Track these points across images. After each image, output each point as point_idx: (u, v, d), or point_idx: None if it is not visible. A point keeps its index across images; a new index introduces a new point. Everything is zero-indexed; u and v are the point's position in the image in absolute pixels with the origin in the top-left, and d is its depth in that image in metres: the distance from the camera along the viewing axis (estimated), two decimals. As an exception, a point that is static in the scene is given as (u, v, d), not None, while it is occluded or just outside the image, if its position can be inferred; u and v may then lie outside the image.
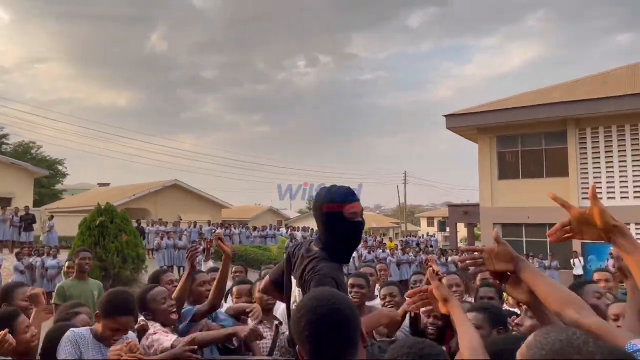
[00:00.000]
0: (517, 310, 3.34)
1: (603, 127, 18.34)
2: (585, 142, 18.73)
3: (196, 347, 2.64)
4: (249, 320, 3.52)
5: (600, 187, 18.34)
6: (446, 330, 2.74)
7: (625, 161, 17.96)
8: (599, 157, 18.50)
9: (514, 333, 2.36)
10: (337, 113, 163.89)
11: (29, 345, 2.73)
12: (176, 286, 3.51)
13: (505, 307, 3.81)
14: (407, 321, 2.96)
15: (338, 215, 2.19)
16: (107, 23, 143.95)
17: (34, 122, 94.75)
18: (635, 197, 17.75)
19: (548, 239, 1.58)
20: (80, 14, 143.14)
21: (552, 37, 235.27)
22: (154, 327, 2.93)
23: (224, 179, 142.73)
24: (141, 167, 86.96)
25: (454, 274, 4.32)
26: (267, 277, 2.69)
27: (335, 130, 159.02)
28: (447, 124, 20.74)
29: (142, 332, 2.95)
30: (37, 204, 30.04)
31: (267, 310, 3.65)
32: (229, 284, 4.03)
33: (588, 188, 18.41)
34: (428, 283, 1.88)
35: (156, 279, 3.56)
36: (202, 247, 4.98)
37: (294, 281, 2.36)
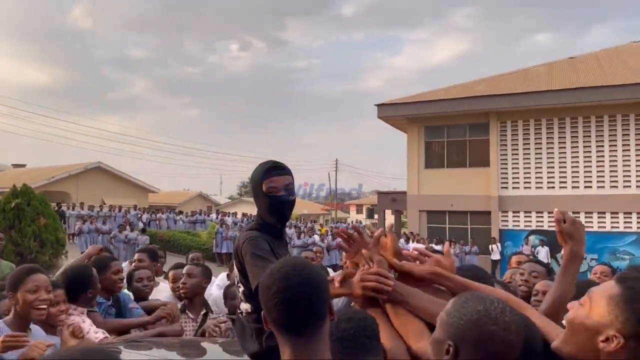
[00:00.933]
0: None
1: (522, 120, 19.45)
2: (506, 134, 19.78)
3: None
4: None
5: (518, 177, 19.52)
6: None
7: (541, 153, 19.17)
8: (517, 149, 19.62)
9: None
10: (269, 99, 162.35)
11: None
12: (122, 278, 3.45)
13: None
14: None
15: (258, 189, 2.18)
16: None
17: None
18: (548, 187, 19.02)
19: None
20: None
21: (477, 34, 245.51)
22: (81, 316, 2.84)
23: (152, 162, 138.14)
24: (62, 147, 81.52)
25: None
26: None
27: (267, 116, 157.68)
28: (378, 113, 21.13)
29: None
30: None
31: (193, 298, 3.56)
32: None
33: (507, 178, 19.58)
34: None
35: (105, 267, 3.36)
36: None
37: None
